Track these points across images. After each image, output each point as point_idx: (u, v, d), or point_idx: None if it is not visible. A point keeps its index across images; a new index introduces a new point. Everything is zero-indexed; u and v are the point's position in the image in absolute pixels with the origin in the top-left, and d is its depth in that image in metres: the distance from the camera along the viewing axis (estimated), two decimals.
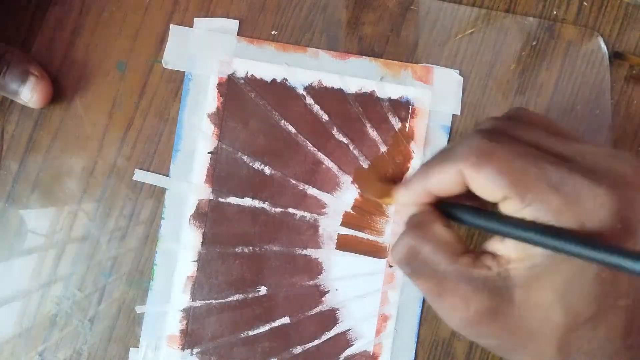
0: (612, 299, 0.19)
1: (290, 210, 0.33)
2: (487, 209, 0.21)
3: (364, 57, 0.33)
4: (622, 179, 0.19)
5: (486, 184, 0.20)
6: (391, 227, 0.33)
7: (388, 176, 0.31)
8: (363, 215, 0.33)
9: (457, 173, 0.21)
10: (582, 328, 0.19)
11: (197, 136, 0.32)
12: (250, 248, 0.32)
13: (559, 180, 0.19)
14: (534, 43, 0.34)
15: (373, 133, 0.33)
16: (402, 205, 0.24)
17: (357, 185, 0.32)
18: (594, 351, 0.20)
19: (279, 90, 0.33)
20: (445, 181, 0.21)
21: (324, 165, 0.33)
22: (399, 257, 0.23)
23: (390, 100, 0.33)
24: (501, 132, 0.21)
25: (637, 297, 0.20)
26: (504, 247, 0.20)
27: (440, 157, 0.22)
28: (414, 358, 0.33)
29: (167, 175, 0.32)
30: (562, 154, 0.20)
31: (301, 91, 0.33)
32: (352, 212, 0.33)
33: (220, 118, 0.33)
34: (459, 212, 0.22)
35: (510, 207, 0.20)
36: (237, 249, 0.32)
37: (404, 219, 0.24)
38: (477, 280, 0.20)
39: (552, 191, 0.19)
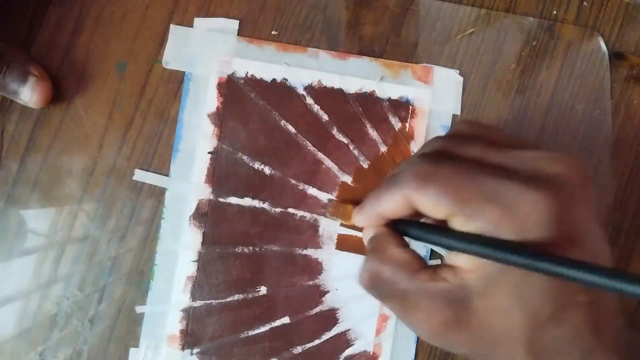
0: (568, 295, 0.20)
1: (290, 210, 0.33)
2: (437, 225, 0.22)
3: (364, 57, 0.33)
4: (559, 180, 0.19)
5: (430, 205, 0.21)
6: None
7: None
8: None
9: (403, 197, 0.21)
10: (545, 327, 0.20)
11: (197, 136, 0.32)
12: (250, 248, 0.32)
13: (496, 191, 0.19)
14: (534, 43, 0.34)
15: (373, 133, 0.33)
16: (359, 226, 0.25)
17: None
18: (564, 349, 0.20)
19: (279, 90, 0.33)
20: (394, 206, 0.22)
21: (324, 165, 0.33)
22: (364, 283, 0.23)
23: (390, 100, 0.33)
24: (443, 152, 0.22)
25: (597, 292, 0.20)
26: (459, 259, 0.21)
27: (388, 184, 0.22)
28: (414, 358, 0.33)
29: (167, 175, 0.32)
30: (502, 164, 0.20)
31: (301, 91, 0.33)
32: None
33: (220, 118, 0.33)
34: (412, 229, 0.23)
35: (457, 223, 0.20)
36: (237, 249, 0.32)
37: (365, 241, 0.25)
38: (436, 293, 0.21)
39: (489, 203, 0.19)
